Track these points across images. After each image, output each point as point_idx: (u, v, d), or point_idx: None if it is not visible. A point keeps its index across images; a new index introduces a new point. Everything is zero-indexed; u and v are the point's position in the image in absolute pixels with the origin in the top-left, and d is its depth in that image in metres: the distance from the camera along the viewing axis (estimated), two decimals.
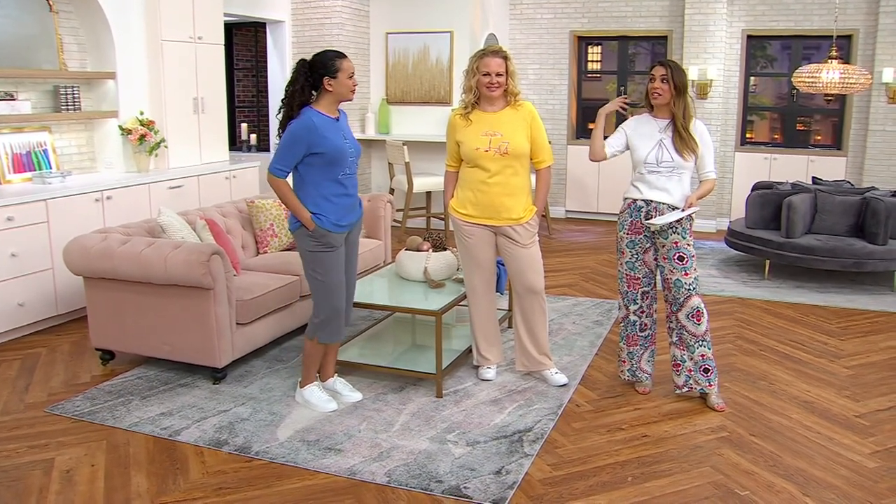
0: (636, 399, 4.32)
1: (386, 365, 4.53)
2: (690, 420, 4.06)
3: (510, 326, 5.14)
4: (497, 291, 4.61)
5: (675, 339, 4.25)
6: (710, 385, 4.19)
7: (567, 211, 10.19)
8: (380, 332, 5.15)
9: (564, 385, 4.43)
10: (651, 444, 3.79)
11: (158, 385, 4.43)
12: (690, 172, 4.17)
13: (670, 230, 4.11)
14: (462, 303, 4.63)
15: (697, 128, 4.13)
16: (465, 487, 3.33)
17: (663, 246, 4.15)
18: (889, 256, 6.44)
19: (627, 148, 4.25)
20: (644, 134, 4.16)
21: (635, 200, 4.19)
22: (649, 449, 3.74)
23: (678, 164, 4.08)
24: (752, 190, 7.53)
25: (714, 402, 4.20)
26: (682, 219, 4.09)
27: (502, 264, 4.61)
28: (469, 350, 4.68)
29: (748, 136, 9.78)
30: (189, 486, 3.37)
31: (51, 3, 5.88)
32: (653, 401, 4.29)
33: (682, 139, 4.06)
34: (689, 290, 4.11)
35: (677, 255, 4.11)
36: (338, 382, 4.27)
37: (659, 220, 4.06)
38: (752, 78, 9.61)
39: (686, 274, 4.11)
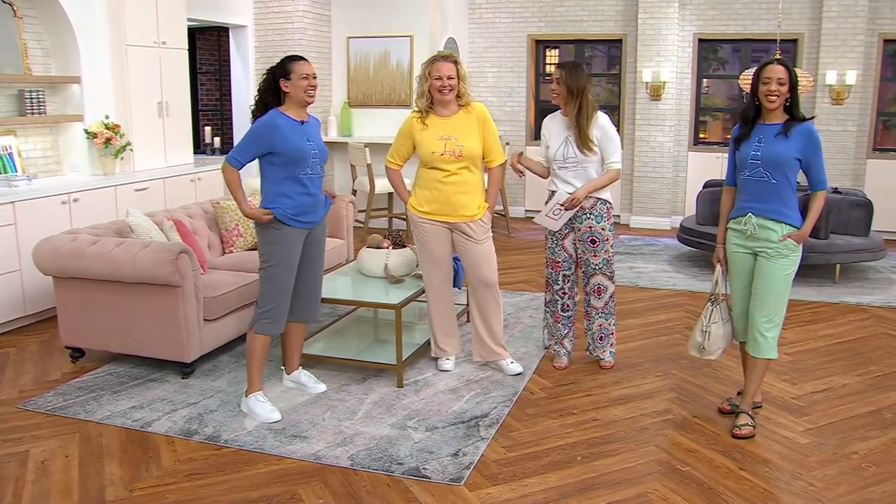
0: (588, 386, 4.55)
1: (349, 357, 4.71)
2: (638, 405, 4.30)
3: (468, 321, 5.33)
4: (454, 286, 4.82)
5: (583, 312, 4.78)
6: (604, 351, 4.81)
7: (526, 210, 10.43)
8: (343, 328, 5.32)
9: (520, 374, 4.64)
10: (600, 427, 4.01)
11: (128, 380, 4.57)
12: (597, 164, 4.51)
13: (584, 215, 4.53)
14: (421, 297, 4.82)
15: (600, 121, 4.47)
16: (424, 468, 3.53)
17: (579, 230, 4.58)
18: (830, 250, 6.76)
19: None
20: (554, 133, 4.57)
21: (553, 192, 4.58)
22: (598, 431, 3.97)
23: (581, 159, 4.47)
24: (703, 188, 7.80)
25: (606, 362, 4.82)
26: (594, 205, 4.50)
27: (459, 261, 4.82)
28: (428, 343, 4.88)
29: (701, 136, 10.10)
30: (161, 473, 3.52)
31: (15, 8, 5.97)
32: (603, 387, 4.53)
33: (581, 137, 4.43)
34: (595, 269, 4.59)
35: (590, 238, 4.56)
36: (303, 374, 4.44)
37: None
38: (704, 80, 9.94)
39: (595, 255, 4.57)
